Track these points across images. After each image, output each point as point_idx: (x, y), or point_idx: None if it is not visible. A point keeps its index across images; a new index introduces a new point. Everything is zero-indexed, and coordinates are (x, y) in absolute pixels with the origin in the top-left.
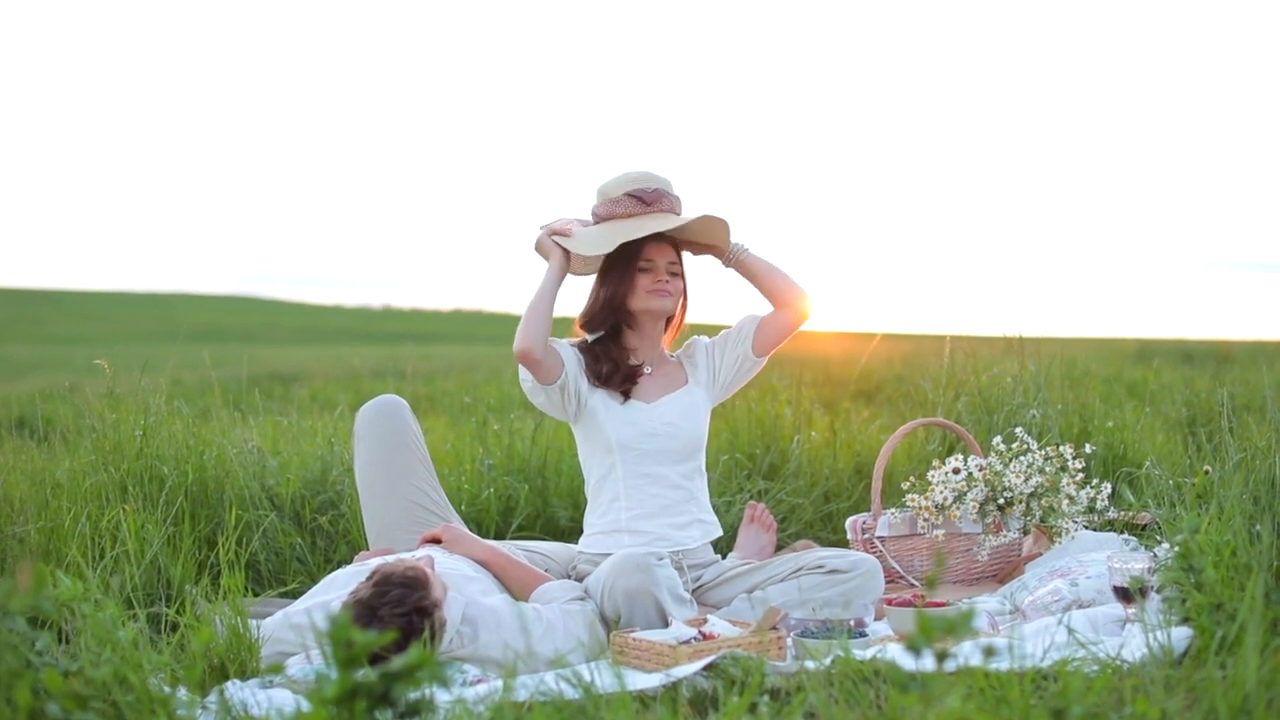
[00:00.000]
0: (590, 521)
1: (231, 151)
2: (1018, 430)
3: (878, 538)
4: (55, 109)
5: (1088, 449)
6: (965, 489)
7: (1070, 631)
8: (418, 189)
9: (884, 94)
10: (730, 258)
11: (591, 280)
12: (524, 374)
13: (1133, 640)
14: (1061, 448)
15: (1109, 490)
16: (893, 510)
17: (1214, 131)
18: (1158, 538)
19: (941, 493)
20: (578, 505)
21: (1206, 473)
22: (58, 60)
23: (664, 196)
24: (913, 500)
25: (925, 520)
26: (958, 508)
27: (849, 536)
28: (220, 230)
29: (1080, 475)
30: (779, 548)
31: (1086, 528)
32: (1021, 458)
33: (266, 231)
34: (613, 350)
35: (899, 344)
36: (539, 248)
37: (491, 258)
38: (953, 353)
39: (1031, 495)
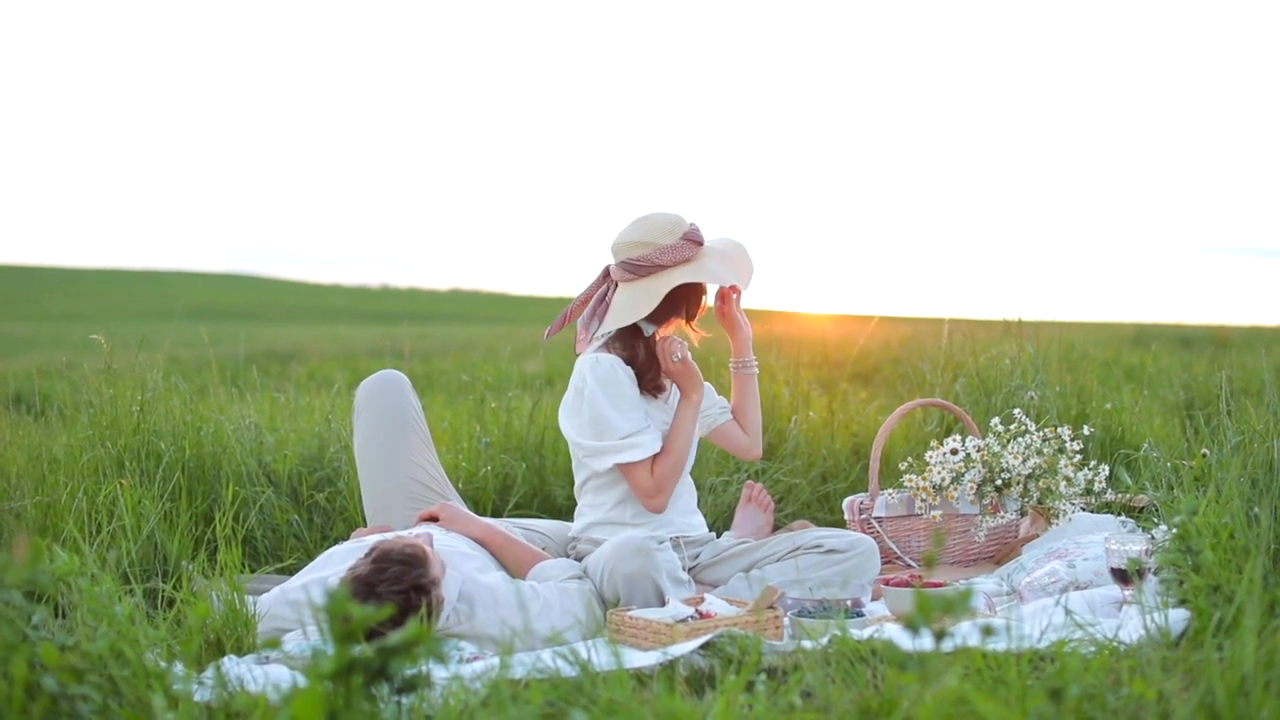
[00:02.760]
0: (588, 512)
1: (230, 130)
2: (1015, 412)
3: (875, 518)
4: (52, 87)
5: (1086, 431)
6: (963, 470)
7: (1068, 612)
8: (416, 169)
9: (884, 80)
10: (740, 366)
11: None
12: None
13: (1130, 622)
14: (1060, 429)
15: (1106, 472)
16: (890, 491)
17: (1212, 117)
18: (1155, 520)
19: (939, 473)
20: (574, 483)
21: (1204, 455)
22: (55, 38)
23: (699, 229)
24: (910, 481)
25: (923, 501)
26: (955, 488)
27: (846, 517)
28: (218, 209)
29: (1078, 457)
30: (776, 527)
31: (1084, 509)
32: (1019, 439)
33: (265, 210)
34: (653, 347)
35: (897, 326)
36: (684, 374)
37: (489, 238)
38: (951, 335)
39: (1029, 476)
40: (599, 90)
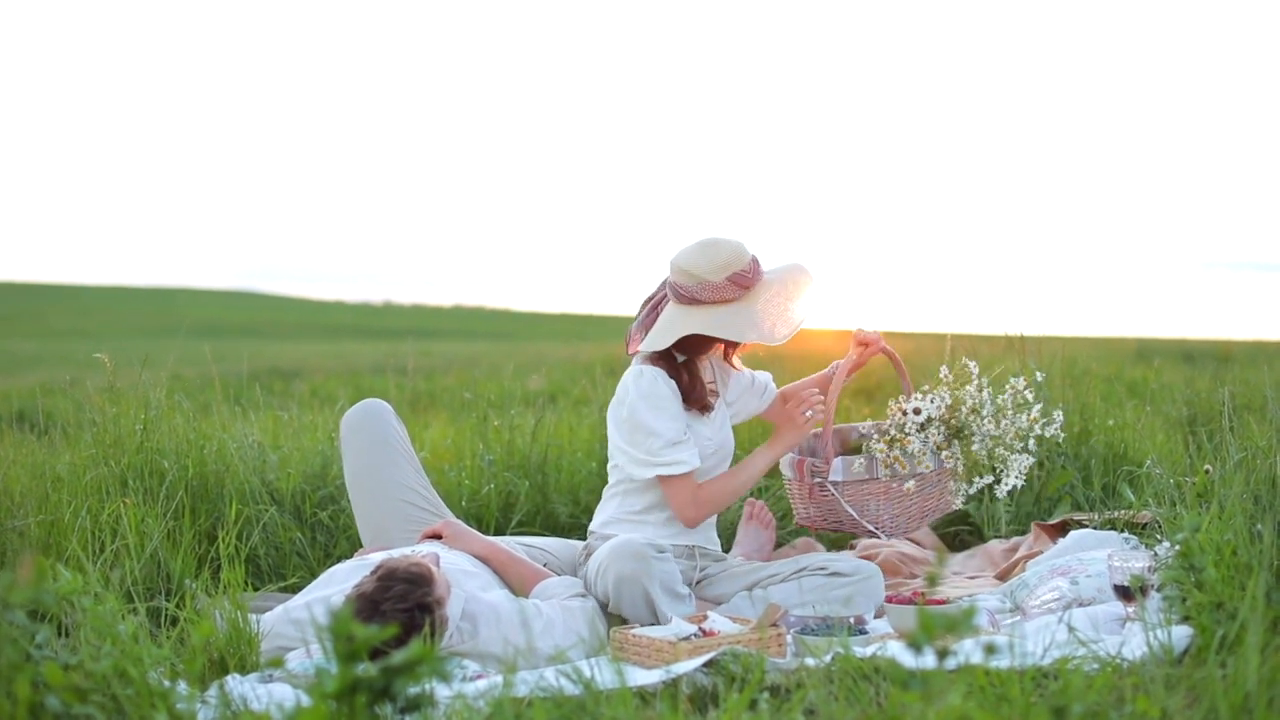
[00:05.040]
0: (611, 509)
1: (233, 146)
2: (971, 365)
3: (831, 482)
4: (56, 103)
5: (1039, 377)
6: (924, 427)
7: (1071, 630)
8: (419, 185)
9: (886, 92)
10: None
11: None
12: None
13: (1133, 639)
14: (1013, 379)
15: (1060, 420)
16: (862, 456)
17: (1214, 131)
18: (1158, 536)
19: (899, 423)
20: (578, 501)
21: (1207, 472)
22: (58, 54)
23: (758, 266)
24: (880, 450)
25: (888, 469)
26: (923, 449)
27: (787, 475)
28: (222, 225)
29: (1033, 408)
30: (778, 545)
31: (1092, 527)
32: (991, 402)
33: (268, 227)
34: (695, 369)
35: (899, 342)
36: (794, 428)
37: (493, 255)
38: (953, 350)
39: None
40: (602, 106)
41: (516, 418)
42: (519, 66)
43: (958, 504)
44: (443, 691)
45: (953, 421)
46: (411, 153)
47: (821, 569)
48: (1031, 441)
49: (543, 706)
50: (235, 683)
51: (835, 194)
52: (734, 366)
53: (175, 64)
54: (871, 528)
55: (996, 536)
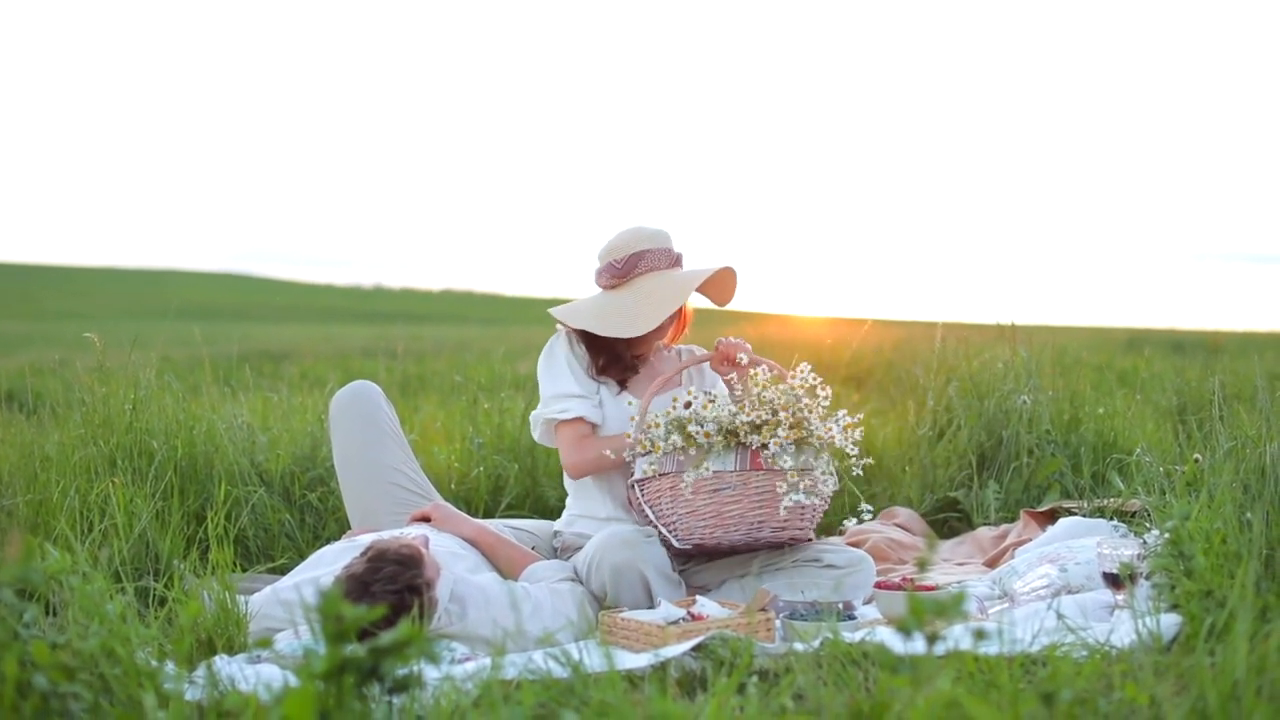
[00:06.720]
0: (574, 506)
1: (225, 130)
2: (764, 365)
3: (635, 482)
4: (49, 87)
5: (824, 392)
6: (688, 422)
7: (1060, 617)
8: (410, 170)
9: (879, 85)
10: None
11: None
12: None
13: (1122, 626)
14: (804, 370)
15: (842, 418)
16: (651, 454)
17: (1206, 124)
18: (1148, 525)
19: (656, 419)
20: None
21: (1196, 460)
22: (51, 39)
23: (639, 261)
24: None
25: (665, 455)
26: (675, 440)
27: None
28: (213, 208)
29: (824, 404)
30: None
31: (1081, 515)
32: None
33: (259, 210)
34: (601, 345)
35: (890, 330)
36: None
37: (482, 239)
38: (944, 339)
39: (755, 427)
40: (593, 92)
41: (506, 401)
42: (510, 53)
43: (686, 490)
44: (431, 673)
45: (741, 416)
46: (403, 138)
47: (815, 560)
48: (831, 460)
49: (531, 689)
50: (223, 663)
51: (828, 183)
52: (632, 352)
53: (168, 48)
54: (664, 530)
55: (985, 523)
